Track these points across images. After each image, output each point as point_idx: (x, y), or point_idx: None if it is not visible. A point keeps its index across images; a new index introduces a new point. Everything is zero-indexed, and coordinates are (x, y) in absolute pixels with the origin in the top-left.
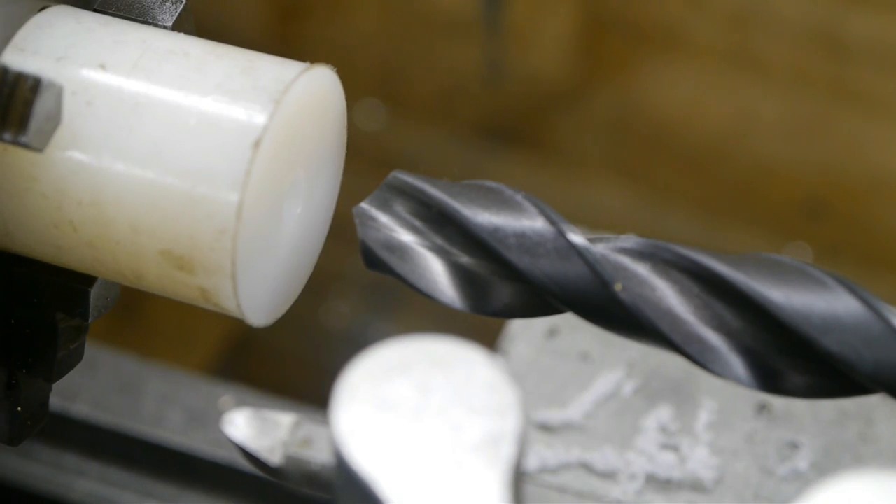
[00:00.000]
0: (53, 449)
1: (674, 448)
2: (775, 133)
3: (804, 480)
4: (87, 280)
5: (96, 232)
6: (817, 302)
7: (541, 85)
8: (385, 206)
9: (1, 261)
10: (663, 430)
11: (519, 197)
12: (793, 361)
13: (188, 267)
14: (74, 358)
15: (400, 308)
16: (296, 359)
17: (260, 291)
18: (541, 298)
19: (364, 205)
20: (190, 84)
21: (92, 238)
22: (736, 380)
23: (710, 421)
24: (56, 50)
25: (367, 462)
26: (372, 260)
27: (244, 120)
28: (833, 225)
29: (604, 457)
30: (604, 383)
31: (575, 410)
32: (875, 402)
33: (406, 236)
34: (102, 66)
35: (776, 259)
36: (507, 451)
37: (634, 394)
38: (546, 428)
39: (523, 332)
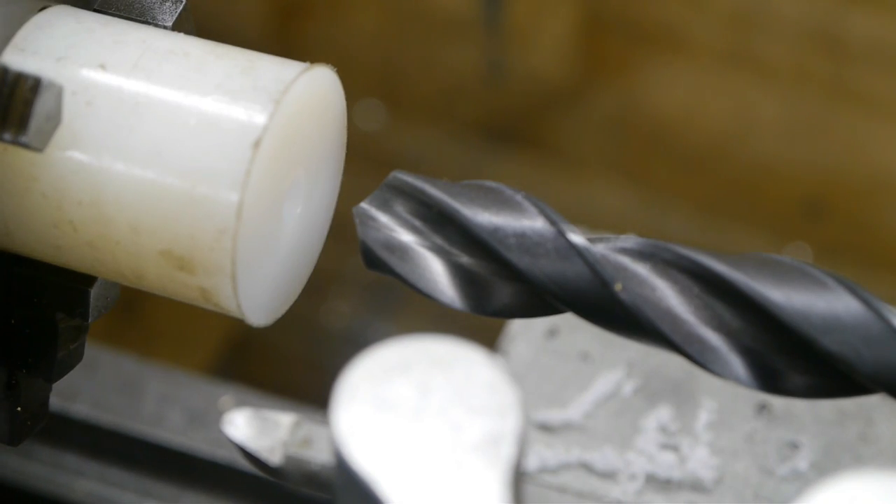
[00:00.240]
0: (53, 449)
1: (674, 448)
2: (775, 133)
3: (804, 480)
4: (87, 280)
5: (96, 232)
6: (817, 302)
7: (541, 85)
8: (385, 206)
9: (1, 261)
10: (663, 430)
11: (519, 197)
12: (793, 361)
13: (188, 267)
14: (74, 358)
15: (400, 308)
16: (296, 359)
17: (260, 291)
18: (541, 298)
19: (364, 205)
20: (190, 84)
21: (92, 238)
22: (736, 380)
23: (710, 421)
24: (56, 50)
25: (367, 462)
26: (372, 260)
27: (244, 120)
28: (833, 225)
29: (604, 457)
30: (604, 383)
31: (575, 410)
32: (875, 402)
33: (406, 236)
34: (102, 66)
35: (776, 259)
36: (507, 451)
37: (634, 394)
38: (546, 428)
39: (523, 332)
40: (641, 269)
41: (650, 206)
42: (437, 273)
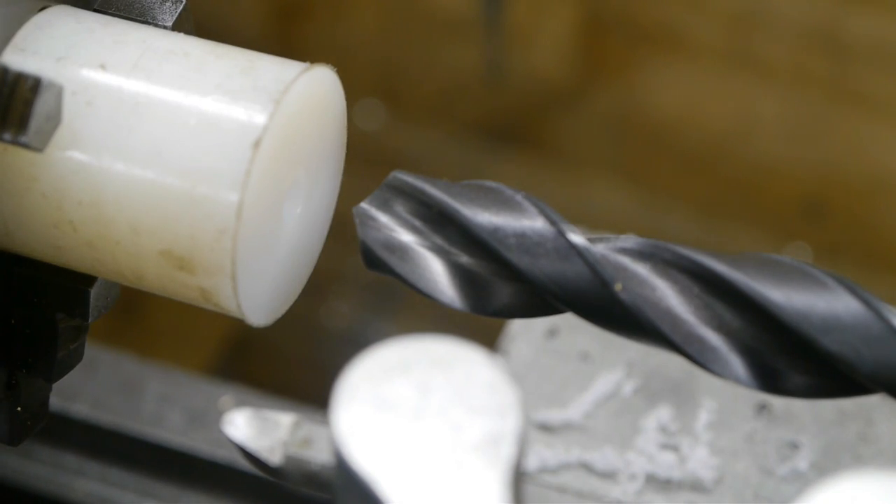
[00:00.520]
0: (53, 449)
1: (674, 448)
2: (775, 133)
3: (804, 480)
4: (87, 280)
5: (96, 232)
6: (817, 302)
7: (541, 85)
8: (385, 206)
9: (1, 261)
10: (663, 430)
11: (519, 197)
12: (793, 361)
13: (188, 267)
14: (74, 358)
15: (400, 308)
16: (296, 359)
17: (260, 291)
18: (541, 298)
19: (364, 205)
20: (190, 84)
21: (92, 238)
22: (736, 380)
23: (710, 421)
24: (56, 50)
25: (367, 462)
26: (372, 260)
27: (244, 120)
28: (833, 225)
29: (604, 457)
30: (604, 383)
31: (575, 410)
32: (875, 402)
33: (406, 236)
34: (102, 66)
35: (776, 259)
36: (507, 451)
37: (634, 394)
38: (546, 428)
39: (523, 332)
40: (641, 269)
41: (650, 206)
42: (437, 273)
